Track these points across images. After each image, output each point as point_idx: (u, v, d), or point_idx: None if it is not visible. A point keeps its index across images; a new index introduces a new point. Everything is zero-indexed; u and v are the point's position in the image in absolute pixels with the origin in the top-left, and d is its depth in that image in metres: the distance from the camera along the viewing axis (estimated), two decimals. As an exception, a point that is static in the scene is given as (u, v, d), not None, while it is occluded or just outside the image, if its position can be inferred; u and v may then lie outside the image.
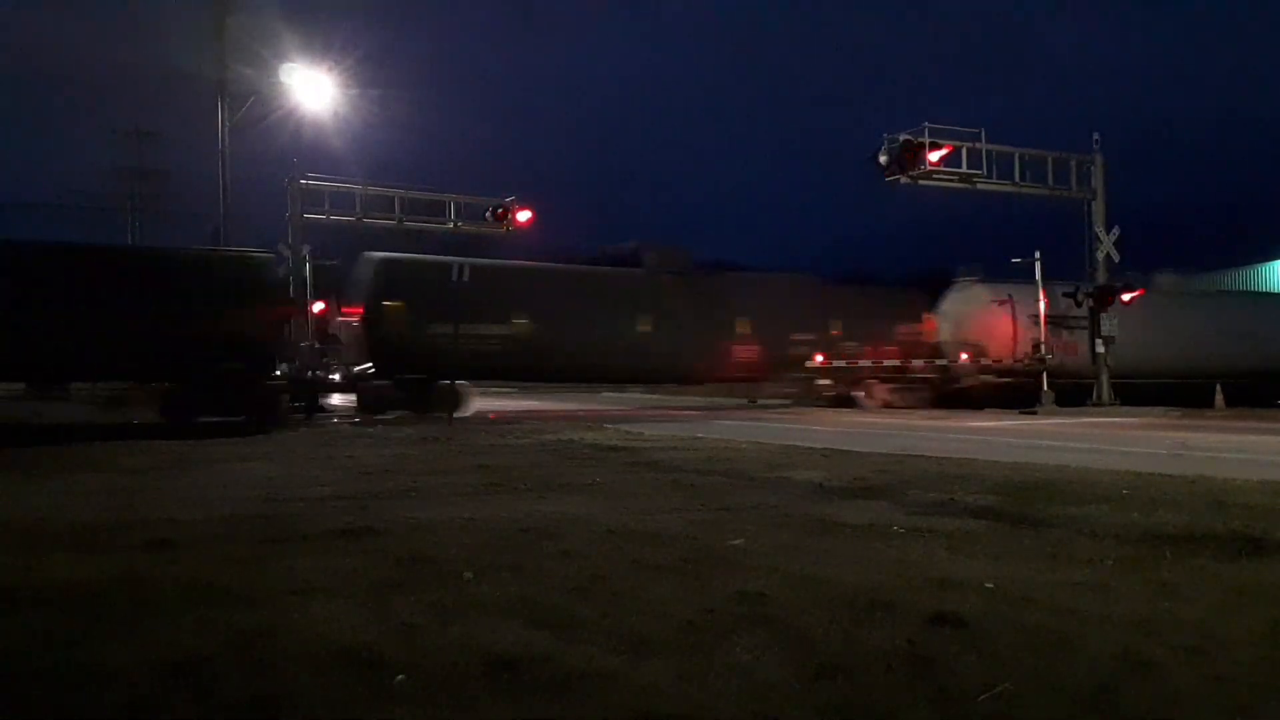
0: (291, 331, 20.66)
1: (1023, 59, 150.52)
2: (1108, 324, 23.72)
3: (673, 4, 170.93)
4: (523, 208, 27.47)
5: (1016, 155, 23.29)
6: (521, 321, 23.37)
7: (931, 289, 28.13)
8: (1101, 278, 24.03)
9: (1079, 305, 24.49)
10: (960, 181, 22.58)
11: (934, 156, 21.52)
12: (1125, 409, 22.41)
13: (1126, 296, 23.72)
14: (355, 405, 22.49)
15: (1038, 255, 25.21)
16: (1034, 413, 22.60)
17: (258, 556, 5.05)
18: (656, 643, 3.44)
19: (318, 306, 23.28)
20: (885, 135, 21.88)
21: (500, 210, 27.33)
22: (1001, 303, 25.94)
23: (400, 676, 3.07)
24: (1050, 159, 23.93)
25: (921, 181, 22.06)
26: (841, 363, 25.25)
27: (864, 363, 25.38)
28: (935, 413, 21.97)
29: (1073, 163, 24.25)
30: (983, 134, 22.42)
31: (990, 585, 4.28)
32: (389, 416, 20.18)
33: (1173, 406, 21.85)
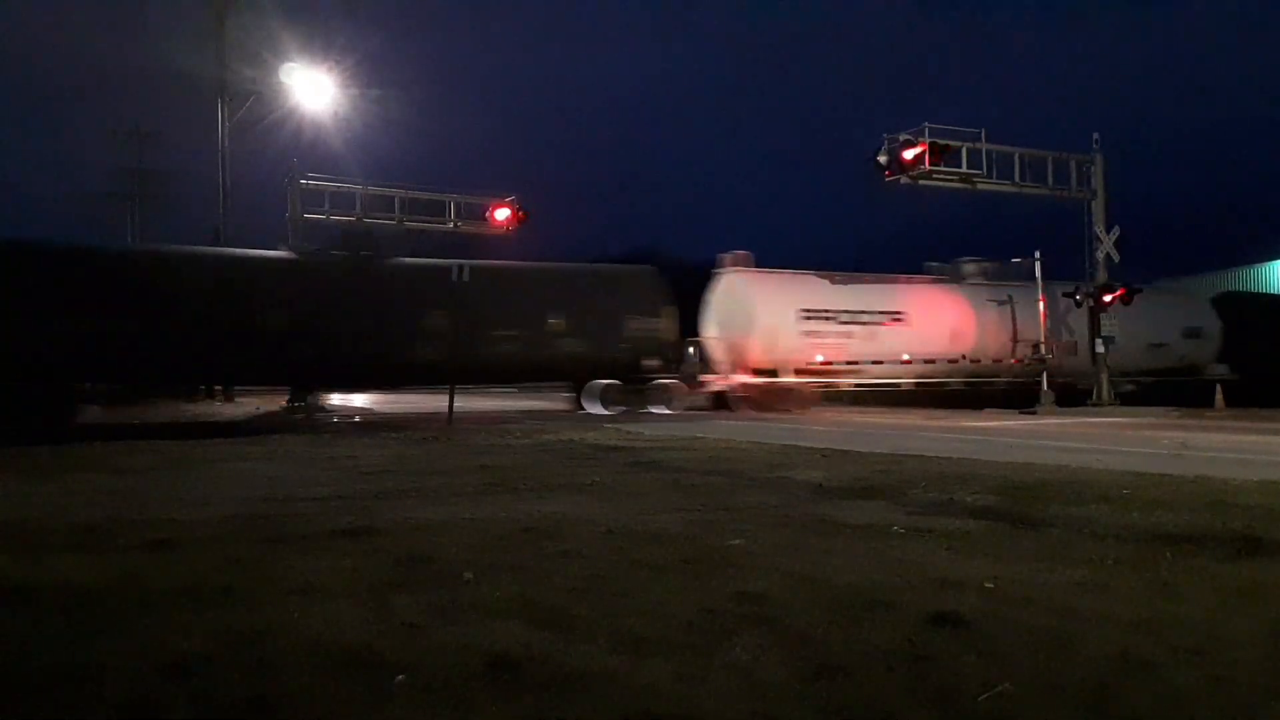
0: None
1: (1023, 59, 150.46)
2: (1107, 324, 23.72)
3: (672, 5, 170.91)
4: (523, 208, 27.50)
5: (1016, 155, 23.31)
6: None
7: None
8: (1101, 278, 24.03)
9: (1079, 305, 24.49)
10: (960, 181, 22.59)
11: (934, 157, 21.54)
12: (1125, 409, 22.42)
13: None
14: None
15: (1038, 255, 25.24)
16: (1034, 413, 22.60)
17: (258, 556, 5.04)
18: (656, 643, 3.44)
19: None
20: (885, 135, 21.91)
21: (501, 210, 27.36)
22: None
23: (400, 676, 3.07)
24: (1050, 159, 23.95)
25: (921, 181, 22.07)
26: None
27: None
28: (935, 413, 21.97)
29: (1073, 163, 24.26)
30: (983, 134, 22.45)
31: (990, 585, 4.28)
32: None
33: (1173, 406, 21.86)
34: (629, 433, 15.29)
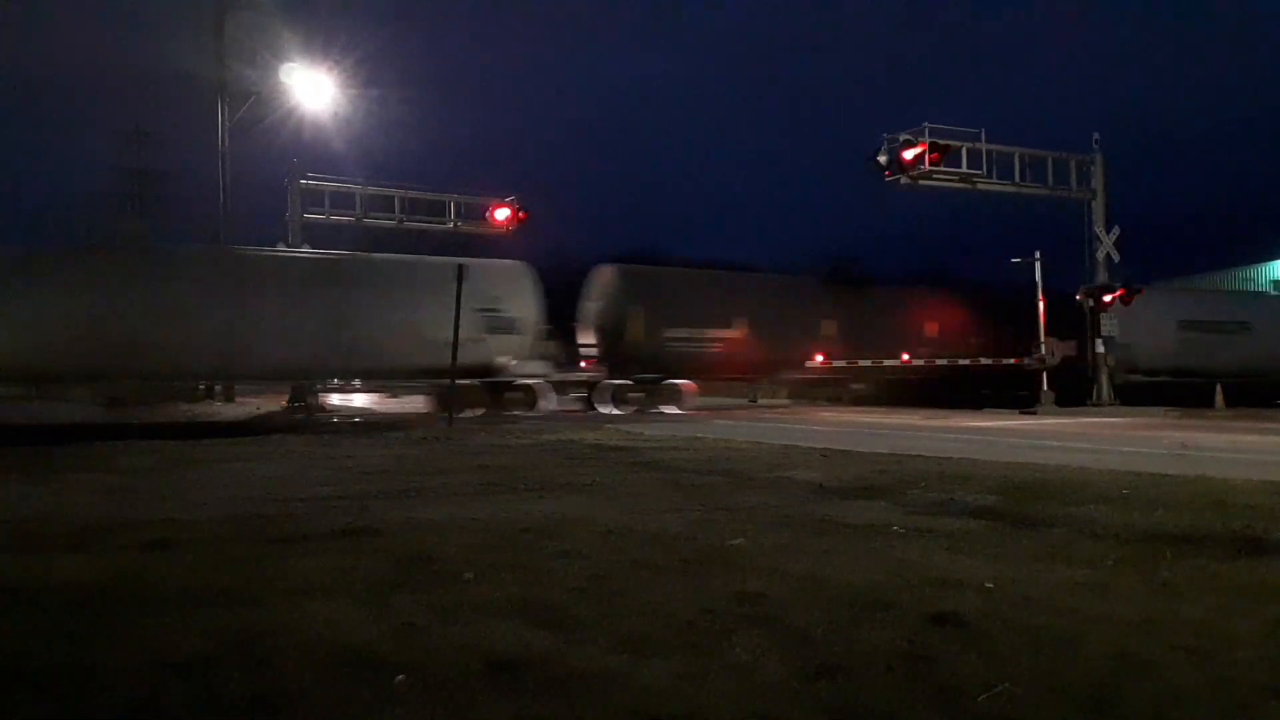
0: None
1: (1023, 59, 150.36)
2: (1108, 324, 23.71)
3: (672, 5, 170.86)
4: (523, 208, 27.49)
5: (1016, 155, 23.31)
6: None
7: None
8: (1101, 278, 24.03)
9: (1078, 305, 24.48)
10: (960, 181, 22.59)
11: (934, 156, 21.53)
12: (1125, 409, 22.42)
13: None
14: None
15: (1038, 255, 25.25)
16: (1034, 413, 22.62)
17: (258, 556, 5.04)
18: (656, 643, 3.44)
19: None
20: (885, 135, 21.90)
21: (501, 210, 27.35)
22: None
23: (400, 676, 3.07)
24: (1050, 159, 23.95)
25: (921, 181, 22.07)
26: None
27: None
28: (935, 413, 21.97)
29: (1073, 163, 24.27)
30: (983, 134, 22.45)
31: (990, 585, 4.28)
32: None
33: (1173, 406, 21.86)
34: (630, 433, 15.30)
